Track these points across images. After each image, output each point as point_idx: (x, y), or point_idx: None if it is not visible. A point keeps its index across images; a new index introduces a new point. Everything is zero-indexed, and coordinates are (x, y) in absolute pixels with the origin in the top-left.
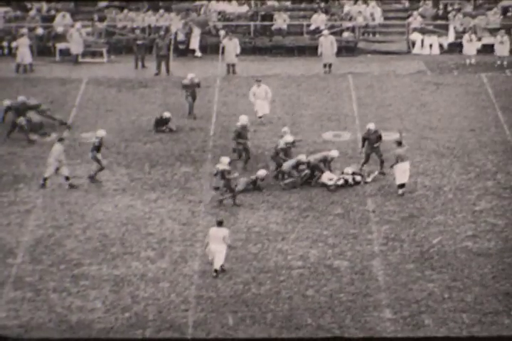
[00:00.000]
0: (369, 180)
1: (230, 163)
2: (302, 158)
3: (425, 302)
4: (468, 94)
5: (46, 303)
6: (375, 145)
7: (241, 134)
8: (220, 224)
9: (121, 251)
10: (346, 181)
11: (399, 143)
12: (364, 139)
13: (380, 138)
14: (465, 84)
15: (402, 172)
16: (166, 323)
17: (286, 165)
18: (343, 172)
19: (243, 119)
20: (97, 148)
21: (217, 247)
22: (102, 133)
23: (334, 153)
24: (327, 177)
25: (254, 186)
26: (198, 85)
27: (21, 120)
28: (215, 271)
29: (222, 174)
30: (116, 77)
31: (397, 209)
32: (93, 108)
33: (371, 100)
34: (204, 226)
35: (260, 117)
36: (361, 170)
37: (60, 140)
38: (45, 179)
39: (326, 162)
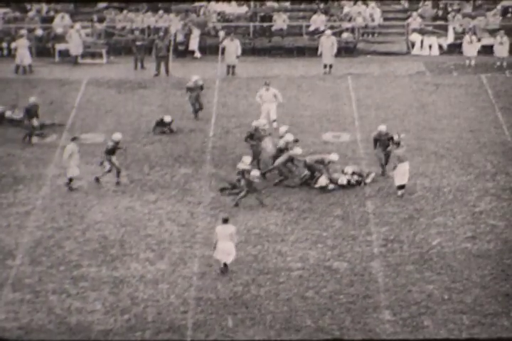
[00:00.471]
0: (368, 181)
1: (251, 163)
2: (296, 151)
3: (425, 304)
4: (467, 94)
5: (45, 305)
6: (388, 148)
7: (253, 136)
8: (225, 221)
9: (121, 252)
10: (349, 181)
11: (397, 144)
12: (376, 141)
13: (391, 140)
14: (464, 85)
15: (401, 174)
16: (165, 325)
17: (278, 161)
18: (343, 171)
19: (259, 121)
20: (111, 151)
21: (226, 244)
22: (118, 136)
23: (333, 156)
24: (324, 181)
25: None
26: (202, 88)
27: (34, 121)
28: (225, 264)
29: (243, 174)
30: (116, 78)
31: (397, 211)
32: (92, 109)
33: (370, 101)
34: (203, 227)
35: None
36: (383, 173)
37: (74, 139)
38: (69, 180)
39: (323, 164)
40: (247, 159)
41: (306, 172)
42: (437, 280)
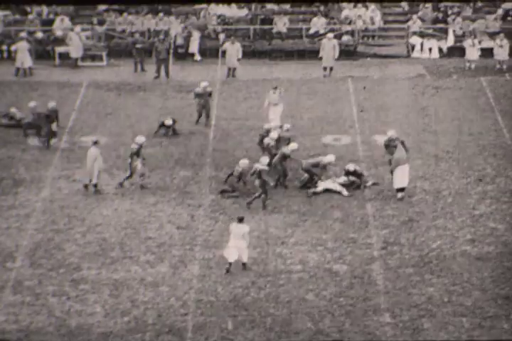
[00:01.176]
0: (368, 184)
1: (269, 164)
2: (290, 147)
3: (425, 307)
4: (467, 97)
5: (45, 307)
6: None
7: (265, 138)
8: (240, 220)
9: (121, 255)
10: (349, 179)
11: (395, 147)
12: (386, 146)
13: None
14: (464, 88)
15: (401, 176)
16: (166, 327)
17: (273, 161)
18: (345, 169)
19: (271, 124)
20: (135, 154)
21: (239, 243)
22: (141, 139)
23: (328, 158)
24: (325, 185)
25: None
26: (210, 94)
27: (53, 126)
28: (243, 264)
29: (260, 174)
30: (116, 80)
31: (397, 214)
32: (92, 112)
33: (371, 104)
34: (203, 230)
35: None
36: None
37: (95, 143)
38: (95, 185)
39: (320, 167)
40: (265, 159)
41: (305, 175)
42: (437, 283)
